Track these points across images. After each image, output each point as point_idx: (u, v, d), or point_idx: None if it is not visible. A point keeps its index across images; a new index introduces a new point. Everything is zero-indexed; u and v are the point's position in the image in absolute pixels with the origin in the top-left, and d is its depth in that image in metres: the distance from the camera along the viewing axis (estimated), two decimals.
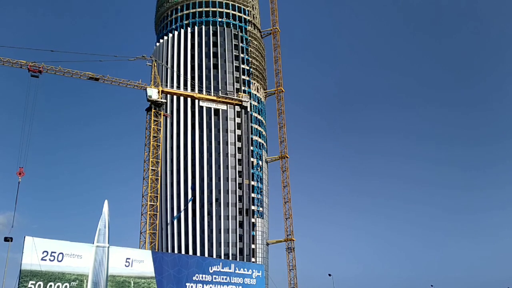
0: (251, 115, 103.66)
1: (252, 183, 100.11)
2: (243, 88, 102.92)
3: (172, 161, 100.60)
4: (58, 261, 36.87)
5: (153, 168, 68.64)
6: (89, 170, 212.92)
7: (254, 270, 55.37)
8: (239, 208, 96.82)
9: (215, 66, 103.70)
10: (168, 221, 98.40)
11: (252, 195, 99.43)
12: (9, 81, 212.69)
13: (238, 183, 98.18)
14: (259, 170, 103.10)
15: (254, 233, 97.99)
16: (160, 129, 70.55)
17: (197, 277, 47.56)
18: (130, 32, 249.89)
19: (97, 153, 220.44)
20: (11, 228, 46.41)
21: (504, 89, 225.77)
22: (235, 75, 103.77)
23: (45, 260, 36.23)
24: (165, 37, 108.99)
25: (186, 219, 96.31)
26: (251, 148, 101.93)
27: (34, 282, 35.14)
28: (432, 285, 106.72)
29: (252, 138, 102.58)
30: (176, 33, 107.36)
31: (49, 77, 63.39)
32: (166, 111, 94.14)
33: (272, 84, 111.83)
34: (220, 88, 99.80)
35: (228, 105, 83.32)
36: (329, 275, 74.00)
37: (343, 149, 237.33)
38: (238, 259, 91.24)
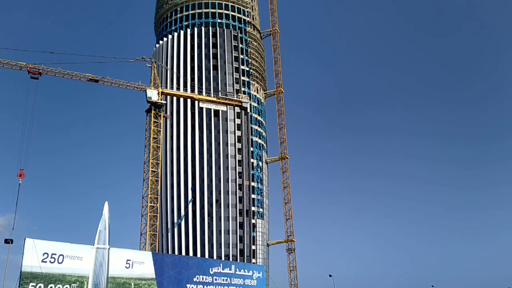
0: (251, 116, 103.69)
1: (252, 184, 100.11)
2: (243, 89, 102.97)
3: (172, 163, 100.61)
4: (59, 263, 36.87)
5: (153, 170, 68.66)
6: (89, 172, 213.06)
7: (254, 271, 55.36)
8: (239, 209, 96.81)
9: (215, 67, 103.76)
10: (169, 223, 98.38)
11: (252, 196, 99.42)
12: (9, 83, 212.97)
13: (238, 184, 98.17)
14: (259, 171, 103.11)
15: (255, 234, 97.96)
16: (160, 131, 70.58)
17: (197, 278, 47.55)
18: (130, 34, 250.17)
19: (97, 155, 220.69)
20: (12, 230, 46.40)
21: (504, 88, 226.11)
22: (235, 76, 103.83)
23: (46, 262, 36.22)
24: (165, 39, 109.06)
25: (186, 220, 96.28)
26: (251, 149, 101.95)
27: (34, 284, 35.13)
28: (432, 286, 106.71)
29: (252, 139, 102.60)
30: (175, 34, 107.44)
31: (49, 79, 63.51)
32: (166, 113, 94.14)
33: (272, 85, 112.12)
34: (220, 89, 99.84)
35: (228, 106, 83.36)
36: (330, 275, 74.08)
37: (343, 149, 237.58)
38: (238, 260, 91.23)
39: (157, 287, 43.13)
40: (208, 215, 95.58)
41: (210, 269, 49.40)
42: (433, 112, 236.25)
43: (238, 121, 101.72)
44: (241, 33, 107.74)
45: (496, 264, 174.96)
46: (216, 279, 49.41)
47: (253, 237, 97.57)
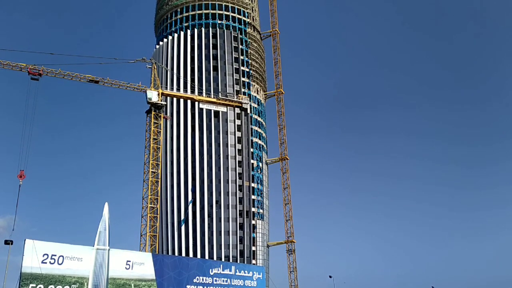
0: (251, 117, 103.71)
1: (252, 185, 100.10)
2: (243, 90, 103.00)
3: (172, 163, 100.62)
4: (59, 264, 36.91)
5: (153, 171, 68.67)
6: (89, 173, 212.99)
7: (254, 272, 55.37)
8: (239, 210, 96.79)
9: (215, 68, 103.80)
10: (169, 224, 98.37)
11: (253, 197, 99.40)
12: (9, 84, 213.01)
13: (238, 185, 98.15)
14: (259, 172, 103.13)
15: (255, 235, 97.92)
16: (160, 132, 70.63)
17: (197, 279, 47.56)
18: (130, 35, 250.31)
19: (97, 156, 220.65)
20: (12, 231, 46.42)
21: (505, 88, 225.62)
22: (235, 77, 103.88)
23: (46, 263, 36.25)
24: (165, 40, 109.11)
25: (186, 221, 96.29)
26: (251, 150, 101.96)
27: (34, 285, 35.15)
28: (433, 286, 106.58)
29: (252, 140, 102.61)
30: (175, 35, 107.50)
31: (49, 80, 63.58)
32: (166, 113, 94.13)
33: (272, 86, 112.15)
34: (220, 90, 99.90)
35: (228, 107, 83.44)
36: (330, 276, 74.07)
37: (343, 150, 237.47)
38: (238, 261, 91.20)
39: None
40: (208, 216, 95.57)
41: (210, 270, 49.42)
42: (433, 112, 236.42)
43: (238, 122, 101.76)
44: (241, 34, 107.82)
45: (497, 264, 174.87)
46: (216, 280, 49.42)
47: (253, 238, 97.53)
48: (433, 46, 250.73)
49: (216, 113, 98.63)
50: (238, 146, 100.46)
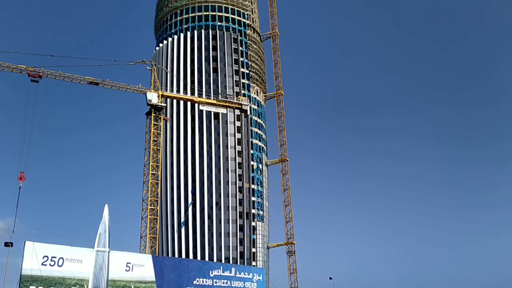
0: (251, 118, 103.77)
1: (252, 186, 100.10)
2: (242, 91, 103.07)
3: (172, 165, 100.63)
4: (59, 266, 36.92)
5: (153, 172, 68.69)
6: (89, 175, 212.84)
7: (254, 274, 55.36)
8: (239, 212, 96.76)
9: (215, 70, 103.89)
10: (169, 225, 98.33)
11: (253, 198, 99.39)
12: (10, 86, 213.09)
13: (238, 187, 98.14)
14: (259, 173, 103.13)
15: (255, 236, 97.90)
16: (160, 133, 70.67)
17: (197, 281, 47.56)
18: (130, 37, 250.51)
19: (97, 158, 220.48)
20: (12, 233, 46.41)
21: (506, 89, 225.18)
22: (234, 79, 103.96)
23: (46, 265, 36.27)
24: (165, 41, 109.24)
25: (186, 223, 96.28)
26: (251, 151, 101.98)
27: (34, 287, 35.17)
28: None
29: (252, 142, 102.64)
30: (175, 37, 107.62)
31: (49, 82, 63.68)
32: (166, 115, 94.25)
33: (272, 88, 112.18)
34: (220, 92, 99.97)
35: (228, 108, 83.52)
36: (330, 278, 73.99)
37: (343, 151, 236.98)
38: (238, 263, 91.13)
39: None
40: (208, 218, 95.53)
41: (210, 272, 49.43)
42: (432, 113, 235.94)
43: (238, 123, 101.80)
44: (241, 35, 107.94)
45: (499, 265, 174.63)
46: (216, 282, 49.40)
47: (253, 239, 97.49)
48: (432, 47, 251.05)
49: (216, 114, 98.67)
50: (238, 148, 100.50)
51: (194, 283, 47.08)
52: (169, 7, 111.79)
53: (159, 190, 69.94)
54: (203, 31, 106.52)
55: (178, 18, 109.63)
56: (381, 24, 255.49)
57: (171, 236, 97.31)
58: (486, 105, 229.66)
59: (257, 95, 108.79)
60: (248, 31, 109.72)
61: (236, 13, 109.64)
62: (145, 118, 70.99)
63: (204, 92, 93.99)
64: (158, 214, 69.84)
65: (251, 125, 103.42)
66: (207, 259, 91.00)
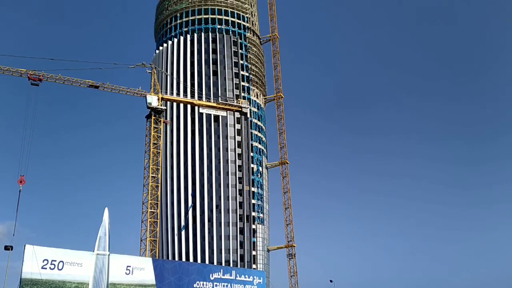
0: (251, 121, 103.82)
1: (253, 189, 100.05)
2: (242, 94, 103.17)
3: (172, 168, 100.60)
4: (59, 269, 36.84)
5: (153, 175, 68.65)
6: (89, 178, 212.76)
7: (255, 277, 55.25)
8: (239, 215, 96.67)
9: (215, 73, 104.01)
10: (169, 228, 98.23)
11: (253, 201, 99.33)
12: (10, 89, 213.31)
13: (239, 190, 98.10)
14: (259, 176, 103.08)
15: (255, 239, 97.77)
16: (160, 136, 70.65)
17: (198, 284, 47.44)
18: (130, 40, 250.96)
19: (97, 161, 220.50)
20: (12, 236, 46.37)
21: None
22: (234, 82, 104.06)
23: (46, 268, 36.18)
24: (165, 44, 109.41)
25: (186, 226, 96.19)
26: (251, 154, 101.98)
27: None
28: None
29: (252, 144, 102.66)
30: (175, 40, 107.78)
31: (49, 85, 63.67)
32: (166, 118, 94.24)
33: (272, 90, 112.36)
34: (219, 95, 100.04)
35: (228, 111, 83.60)
36: (331, 281, 73.82)
37: (344, 153, 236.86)
38: (239, 266, 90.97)
39: None
40: (208, 221, 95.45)
41: (211, 275, 49.33)
42: (434, 111, 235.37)
43: (238, 126, 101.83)
44: (240, 38, 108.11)
45: (500, 265, 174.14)
46: (216, 285, 49.30)
47: (254, 242, 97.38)
48: (432, 46, 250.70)
49: (216, 117, 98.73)
50: (238, 151, 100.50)
51: (195, 286, 46.98)
52: (169, 10, 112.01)
53: (159, 193, 69.87)
54: (203, 34, 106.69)
55: (178, 21, 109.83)
56: (380, 25, 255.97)
57: (171, 239, 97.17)
58: (490, 102, 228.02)
59: (257, 97, 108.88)
60: (248, 34, 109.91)
61: (236, 16, 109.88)
62: (145, 121, 70.99)
63: (204, 95, 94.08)
64: (158, 217, 69.72)
65: (251, 128, 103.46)
66: (207, 262, 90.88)
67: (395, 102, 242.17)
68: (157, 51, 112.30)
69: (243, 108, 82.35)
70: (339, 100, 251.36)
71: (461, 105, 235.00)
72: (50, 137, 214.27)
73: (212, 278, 49.10)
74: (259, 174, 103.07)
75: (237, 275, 52.68)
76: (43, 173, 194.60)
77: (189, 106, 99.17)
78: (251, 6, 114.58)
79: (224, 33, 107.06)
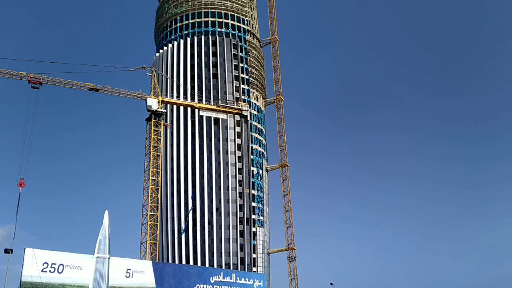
0: (251, 124, 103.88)
1: (253, 192, 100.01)
2: (242, 97, 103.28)
3: (173, 171, 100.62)
4: (59, 272, 36.84)
5: (153, 178, 68.68)
6: (89, 181, 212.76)
7: (255, 280, 55.20)
8: (239, 217, 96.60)
9: (215, 76, 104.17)
10: (169, 231, 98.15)
11: (253, 204, 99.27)
12: (10, 92, 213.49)
13: (239, 192, 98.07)
14: (259, 179, 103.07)
15: (255, 242, 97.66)
16: (160, 139, 70.73)
17: (198, 287, 47.42)
18: (130, 43, 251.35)
19: (97, 164, 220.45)
20: (13, 239, 46.36)
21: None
22: (234, 85, 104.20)
23: (46, 271, 36.19)
24: (165, 47, 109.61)
25: (186, 228, 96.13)
26: (251, 157, 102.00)
27: None
28: None
29: (252, 147, 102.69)
30: (175, 43, 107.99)
31: (50, 88, 63.83)
32: (166, 121, 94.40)
33: (272, 93, 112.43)
34: (220, 98, 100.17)
35: (228, 114, 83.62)
36: (331, 284, 73.76)
37: (345, 154, 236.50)
38: (239, 269, 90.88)
39: None
40: (209, 224, 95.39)
41: (211, 278, 49.30)
42: (436, 111, 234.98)
43: (238, 129, 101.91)
44: (240, 41, 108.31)
45: (501, 266, 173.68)
46: None
47: (254, 245, 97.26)
48: (432, 45, 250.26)
49: (216, 120, 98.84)
50: (238, 153, 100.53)
51: None
52: (169, 14, 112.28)
53: (159, 196, 69.89)
54: (203, 37, 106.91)
55: (178, 24, 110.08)
56: (380, 27, 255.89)
57: (171, 242, 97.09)
58: (493, 100, 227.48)
59: (257, 100, 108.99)
60: (248, 37, 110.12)
61: (236, 19, 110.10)
62: (145, 124, 71.14)
63: (204, 98, 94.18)
64: (158, 220, 69.72)
65: (251, 131, 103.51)
66: (207, 265, 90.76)
67: (396, 101, 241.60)
68: (157, 54, 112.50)
69: (243, 111, 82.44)
70: (340, 100, 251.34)
71: (462, 104, 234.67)
72: (50, 140, 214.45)
73: (212, 281, 49.06)
74: (259, 176, 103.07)
75: (237, 278, 52.65)
76: (43, 176, 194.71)
77: (189, 109, 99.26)
78: (251, 9, 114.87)
79: (224, 36, 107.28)
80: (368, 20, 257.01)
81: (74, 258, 38.28)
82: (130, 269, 42.29)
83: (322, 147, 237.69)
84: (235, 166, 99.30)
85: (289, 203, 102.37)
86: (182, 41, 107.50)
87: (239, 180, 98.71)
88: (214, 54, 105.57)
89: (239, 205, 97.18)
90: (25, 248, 36.03)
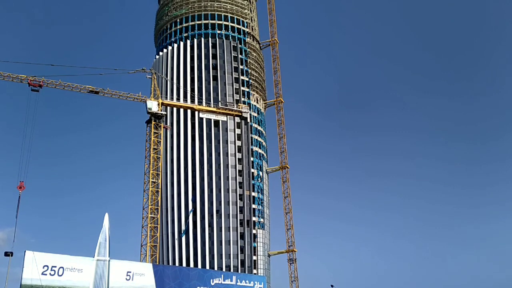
0: (251, 126, 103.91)
1: (253, 194, 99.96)
2: (242, 99, 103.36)
3: (173, 173, 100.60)
4: (59, 275, 36.80)
5: (154, 180, 68.63)
6: (89, 183, 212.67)
7: (255, 282, 55.12)
8: (240, 220, 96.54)
9: (215, 78, 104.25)
10: (169, 234, 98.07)
11: (253, 206, 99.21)
12: (10, 95, 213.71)
13: (239, 194, 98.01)
14: (259, 180, 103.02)
15: (256, 244, 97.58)
16: (160, 141, 70.69)
17: None
18: (130, 45, 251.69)
19: (97, 166, 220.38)
20: (13, 242, 46.32)
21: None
22: (234, 87, 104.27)
23: (46, 274, 36.14)
24: (165, 50, 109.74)
25: (187, 231, 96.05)
26: (251, 159, 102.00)
27: None
28: None
29: (252, 149, 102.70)
30: (175, 45, 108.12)
31: (50, 91, 63.77)
32: (166, 123, 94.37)
33: (272, 95, 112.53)
34: (220, 100, 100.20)
35: (228, 116, 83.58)
36: (332, 286, 73.57)
37: (345, 154, 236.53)
38: (239, 271, 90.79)
39: None
40: (209, 226, 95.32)
41: (211, 280, 49.23)
42: (437, 111, 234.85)
43: (238, 131, 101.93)
44: (240, 43, 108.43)
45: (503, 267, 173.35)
46: None
47: (254, 247, 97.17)
48: (433, 45, 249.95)
49: (216, 122, 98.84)
50: (238, 155, 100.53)
51: None
52: (169, 16, 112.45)
53: (159, 198, 69.82)
54: (202, 39, 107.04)
55: (178, 27, 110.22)
56: (380, 29, 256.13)
57: (172, 245, 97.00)
58: (493, 100, 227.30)
59: (257, 102, 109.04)
60: (247, 39, 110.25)
61: (235, 21, 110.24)
62: (145, 126, 71.08)
63: (204, 100, 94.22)
64: (159, 223, 69.63)
65: (251, 133, 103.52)
66: (207, 267, 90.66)
67: (396, 101, 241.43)
68: (157, 57, 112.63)
69: (243, 113, 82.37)
70: (340, 101, 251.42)
71: (463, 104, 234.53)
72: (50, 143, 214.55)
73: (212, 284, 48.99)
74: (259, 178, 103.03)
75: (238, 280, 52.58)
76: (43, 179, 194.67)
77: (189, 111, 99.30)
78: (250, 11, 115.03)
79: (224, 39, 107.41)
80: (368, 21, 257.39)
81: (74, 261, 38.23)
82: (130, 272, 42.23)
83: (322, 148, 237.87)
84: (235, 168, 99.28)
85: (290, 205, 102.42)
86: (182, 43, 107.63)
87: (239, 182, 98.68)
88: (214, 56, 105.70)
89: (239, 207, 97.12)
90: (25, 251, 35.98)
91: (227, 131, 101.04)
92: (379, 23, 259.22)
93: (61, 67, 64.17)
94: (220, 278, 50.54)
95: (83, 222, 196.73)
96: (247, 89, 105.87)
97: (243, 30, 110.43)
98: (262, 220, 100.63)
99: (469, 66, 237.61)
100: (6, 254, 38.91)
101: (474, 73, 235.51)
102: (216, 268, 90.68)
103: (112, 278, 40.37)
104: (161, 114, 70.21)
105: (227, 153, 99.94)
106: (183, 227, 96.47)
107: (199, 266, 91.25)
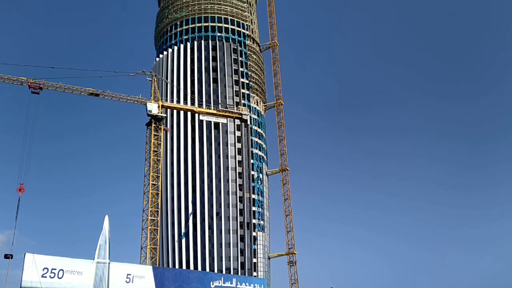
0: (251, 128, 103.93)
1: (253, 196, 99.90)
2: (242, 101, 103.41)
3: (173, 175, 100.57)
4: (59, 277, 36.75)
5: (154, 183, 68.60)
6: (89, 186, 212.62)
7: (256, 285, 55.03)
8: (240, 222, 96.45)
9: (215, 80, 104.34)
10: (169, 236, 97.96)
11: (253, 208, 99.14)
12: (10, 97, 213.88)
13: (239, 197, 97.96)
14: (259, 183, 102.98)
15: (256, 246, 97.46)
16: (160, 144, 70.70)
17: None
18: (130, 48, 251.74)
19: (97, 168, 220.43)
20: (12, 245, 46.30)
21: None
22: (234, 89, 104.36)
23: (46, 277, 36.09)
24: (165, 52, 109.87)
25: (187, 233, 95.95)
26: (252, 161, 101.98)
27: None
28: None
29: (252, 151, 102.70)
30: (175, 48, 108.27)
31: (50, 93, 63.87)
32: (166, 126, 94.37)
33: (272, 97, 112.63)
34: (220, 102, 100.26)
35: (228, 118, 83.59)
36: None
37: (346, 156, 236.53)
38: (239, 274, 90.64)
39: None
40: (209, 228, 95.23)
41: (211, 282, 49.15)
42: (438, 111, 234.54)
43: (238, 133, 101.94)
44: (240, 46, 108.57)
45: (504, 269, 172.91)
46: None
47: (254, 250, 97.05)
48: (434, 47, 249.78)
49: (216, 124, 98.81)
50: (238, 158, 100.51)
51: None
52: (169, 18, 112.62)
53: (159, 200, 69.78)
54: (203, 41, 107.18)
55: (178, 29, 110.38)
56: (381, 26, 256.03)
57: (172, 247, 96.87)
58: (494, 101, 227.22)
59: (257, 105, 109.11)
60: (247, 42, 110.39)
61: (235, 23, 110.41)
62: (145, 129, 71.10)
63: (204, 102, 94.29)
64: (159, 225, 69.54)
65: (251, 135, 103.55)
66: (207, 269, 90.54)
67: (396, 104, 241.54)
68: (157, 59, 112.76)
69: (243, 115, 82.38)
70: (340, 103, 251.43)
71: (464, 106, 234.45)
72: (50, 145, 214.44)
73: (212, 286, 48.91)
74: (259, 181, 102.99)
75: (238, 282, 52.48)
76: (43, 181, 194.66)
77: (189, 114, 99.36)
78: (250, 13, 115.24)
79: (224, 41, 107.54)
80: (368, 23, 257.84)
81: (74, 263, 38.18)
82: (130, 274, 42.17)
83: (322, 150, 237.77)
84: (235, 170, 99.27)
85: (290, 207, 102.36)
86: (182, 46, 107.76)
87: (239, 184, 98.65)
88: (214, 59, 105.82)
89: (239, 209, 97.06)
90: (25, 253, 35.96)
91: (227, 133, 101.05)
92: (379, 25, 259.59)
93: (62, 70, 64.33)
94: (220, 281, 50.45)
95: (83, 225, 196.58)
96: (247, 92, 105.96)
97: (243, 33, 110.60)
98: (262, 222, 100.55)
99: (470, 68, 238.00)
100: (6, 256, 38.92)
101: (475, 75, 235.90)
102: (216, 270, 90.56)
103: (112, 281, 40.30)
104: (161, 116, 70.25)
105: (227, 155, 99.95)
106: (183, 230, 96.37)
107: (199, 268, 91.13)
